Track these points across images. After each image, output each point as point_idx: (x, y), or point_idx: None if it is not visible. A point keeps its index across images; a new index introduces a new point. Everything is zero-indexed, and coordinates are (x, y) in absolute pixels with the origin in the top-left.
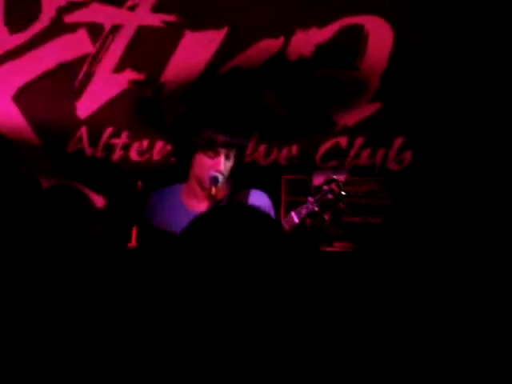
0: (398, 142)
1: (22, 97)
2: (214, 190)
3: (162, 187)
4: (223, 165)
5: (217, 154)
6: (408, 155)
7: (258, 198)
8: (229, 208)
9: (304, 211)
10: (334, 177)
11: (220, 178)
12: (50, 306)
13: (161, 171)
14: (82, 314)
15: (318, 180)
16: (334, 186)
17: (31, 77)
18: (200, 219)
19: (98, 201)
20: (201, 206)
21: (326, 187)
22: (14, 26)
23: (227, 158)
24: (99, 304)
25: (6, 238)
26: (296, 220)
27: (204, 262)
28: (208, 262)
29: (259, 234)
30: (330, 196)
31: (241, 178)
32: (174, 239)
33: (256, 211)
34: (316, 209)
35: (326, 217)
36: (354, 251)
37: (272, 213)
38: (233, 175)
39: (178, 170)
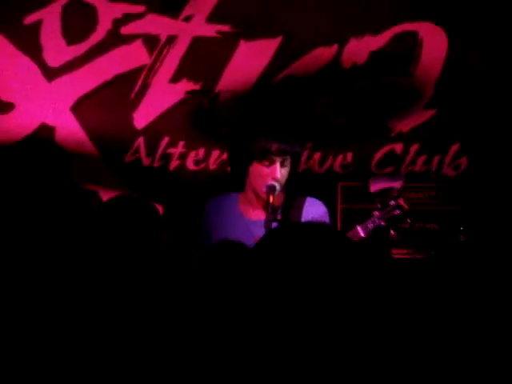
0: (454, 148)
1: (80, 108)
2: (271, 198)
3: (218, 195)
4: (279, 172)
5: (272, 163)
6: (464, 161)
7: (314, 207)
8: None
9: (370, 226)
10: (393, 185)
11: (277, 186)
12: (120, 318)
13: (217, 180)
14: (151, 323)
15: (374, 187)
16: (401, 201)
17: (89, 88)
18: (272, 235)
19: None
20: (258, 214)
21: (393, 202)
22: (72, 37)
23: (282, 165)
24: (170, 314)
25: (69, 252)
26: (362, 234)
27: (278, 276)
28: (282, 276)
29: (330, 249)
30: (397, 212)
31: (296, 186)
32: (240, 249)
33: (325, 227)
34: (382, 224)
35: (392, 232)
36: (418, 259)
37: (328, 221)
38: (288, 183)
39: (234, 179)
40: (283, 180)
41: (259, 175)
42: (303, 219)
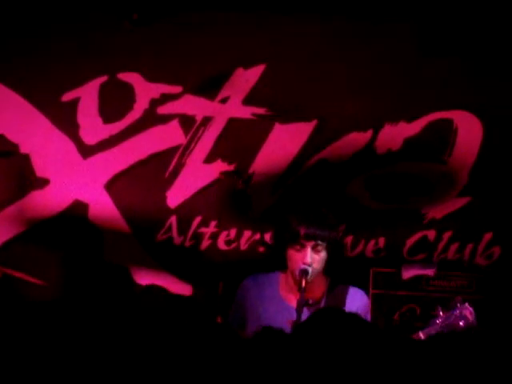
0: (487, 236)
1: (114, 185)
2: (304, 282)
3: (257, 274)
4: (309, 257)
5: (303, 247)
6: (497, 250)
7: (357, 297)
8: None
9: (433, 333)
10: (425, 272)
11: (309, 270)
12: None
13: (248, 260)
14: None
15: (406, 274)
16: (468, 313)
17: (123, 166)
18: (307, 323)
19: (186, 289)
20: None
21: (457, 313)
22: (108, 116)
23: (315, 250)
24: None
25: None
26: (422, 337)
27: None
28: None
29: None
30: (461, 323)
31: (338, 273)
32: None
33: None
34: (445, 331)
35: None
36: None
37: (368, 312)
38: (329, 269)
39: (266, 260)
40: (318, 265)
41: (292, 259)
42: (347, 309)
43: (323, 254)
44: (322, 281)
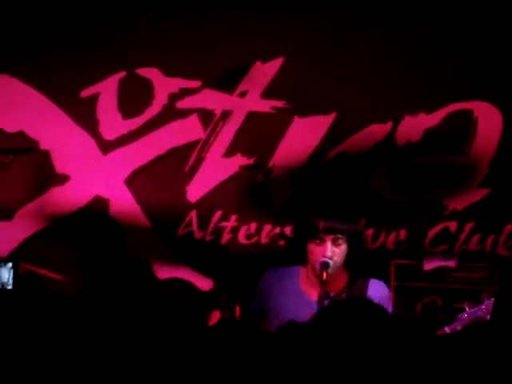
0: (509, 227)
1: (134, 181)
2: (324, 275)
3: (278, 267)
4: (330, 251)
5: (322, 241)
6: None
7: (378, 289)
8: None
9: (459, 328)
10: (447, 264)
11: (330, 263)
12: None
13: (269, 254)
14: None
15: (428, 265)
16: (491, 306)
17: (143, 161)
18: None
19: (206, 284)
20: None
21: (484, 308)
22: (127, 111)
23: (336, 244)
24: None
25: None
26: (448, 332)
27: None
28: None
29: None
30: (487, 317)
31: (358, 266)
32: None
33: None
34: (471, 327)
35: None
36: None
37: (390, 304)
38: (350, 262)
39: (286, 253)
40: (339, 259)
41: (312, 253)
42: None
43: (343, 247)
44: (343, 274)
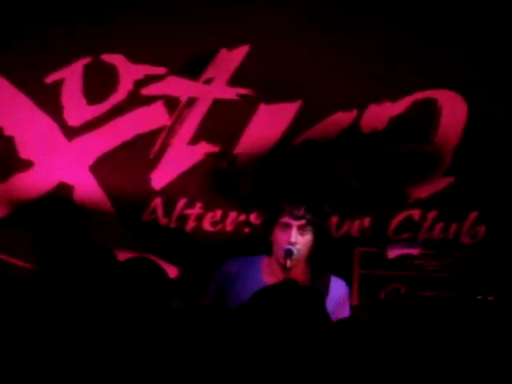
0: (472, 216)
1: (99, 167)
2: (288, 262)
3: (239, 257)
4: (294, 237)
5: (288, 226)
6: (482, 230)
7: (339, 287)
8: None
9: None
10: (410, 251)
11: (294, 250)
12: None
13: (234, 242)
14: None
15: (392, 253)
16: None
17: (108, 148)
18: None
19: (172, 271)
20: None
21: None
22: (92, 97)
23: (301, 231)
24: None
25: (81, 308)
26: None
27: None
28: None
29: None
30: None
31: (319, 260)
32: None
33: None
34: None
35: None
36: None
37: (348, 302)
38: (312, 257)
39: (251, 241)
40: (303, 248)
41: (277, 239)
42: (330, 298)
43: (308, 237)
44: (306, 268)
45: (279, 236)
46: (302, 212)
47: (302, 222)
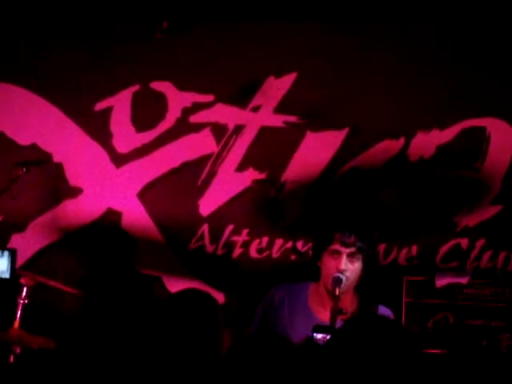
0: None
1: (147, 194)
2: (337, 290)
3: (286, 283)
4: (344, 264)
5: (338, 253)
6: None
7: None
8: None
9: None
10: (459, 280)
11: (343, 278)
12: None
13: (280, 269)
14: None
15: (440, 282)
16: None
17: (156, 175)
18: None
19: (218, 297)
20: (327, 314)
21: None
22: (141, 124)
23: (351, 259)
24: None
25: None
26: None
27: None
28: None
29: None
30: None
31: (370, 291)
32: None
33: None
34: None
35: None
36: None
37: None
38: (361, 286)
39: (297, 268)
40: (352, 276)
41: (326, 266)
42: None
43: (358, 265)
44: (354, 297)
45: (329, 263)
46: (352, 240)
47: (353, 249)
